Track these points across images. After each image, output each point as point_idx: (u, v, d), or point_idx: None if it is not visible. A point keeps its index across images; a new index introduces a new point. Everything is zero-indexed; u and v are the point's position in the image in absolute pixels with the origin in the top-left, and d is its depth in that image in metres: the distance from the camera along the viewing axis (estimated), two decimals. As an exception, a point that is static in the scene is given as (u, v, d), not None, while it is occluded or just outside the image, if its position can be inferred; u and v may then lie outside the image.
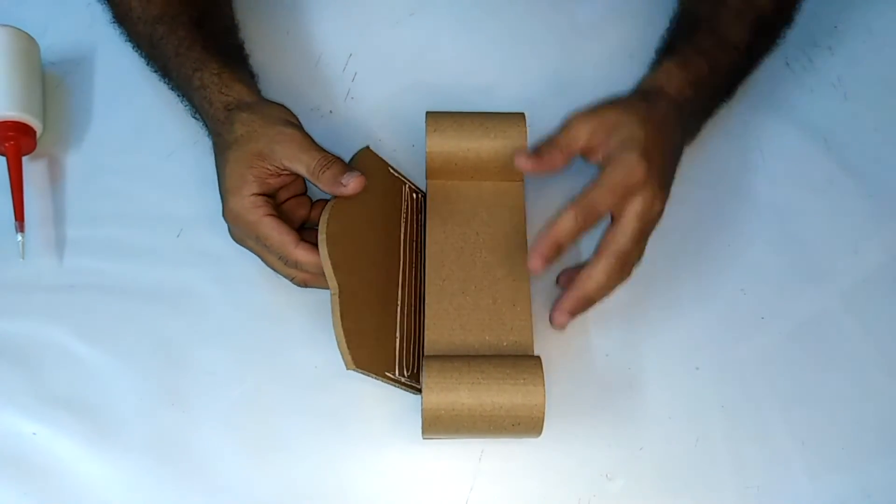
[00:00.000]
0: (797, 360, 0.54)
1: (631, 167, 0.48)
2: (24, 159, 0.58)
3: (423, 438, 0.47)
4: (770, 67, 0.66)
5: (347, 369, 0.45)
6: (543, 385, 0.45)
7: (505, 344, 0.49)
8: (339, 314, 0.45)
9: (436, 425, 0.45)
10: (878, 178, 0.62)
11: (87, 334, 0.54)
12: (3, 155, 0.58)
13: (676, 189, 0.56)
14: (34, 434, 0.50)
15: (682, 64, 0.55)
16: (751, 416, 0.52)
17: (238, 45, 0.60)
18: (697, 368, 0.54)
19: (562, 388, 0.53)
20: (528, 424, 0.45)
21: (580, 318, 0.55)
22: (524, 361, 0.46)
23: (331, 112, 0.63)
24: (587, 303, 0.48)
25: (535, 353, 0.49)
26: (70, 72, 0.64)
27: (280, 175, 0.51)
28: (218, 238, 0.57)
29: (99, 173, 0.60)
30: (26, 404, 0.51)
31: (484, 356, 0.47)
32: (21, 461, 0.49)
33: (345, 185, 0.48)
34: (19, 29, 0.60)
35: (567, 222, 0.47)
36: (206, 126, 0.56)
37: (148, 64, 0.60)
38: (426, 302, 0.50)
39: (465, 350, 0.48)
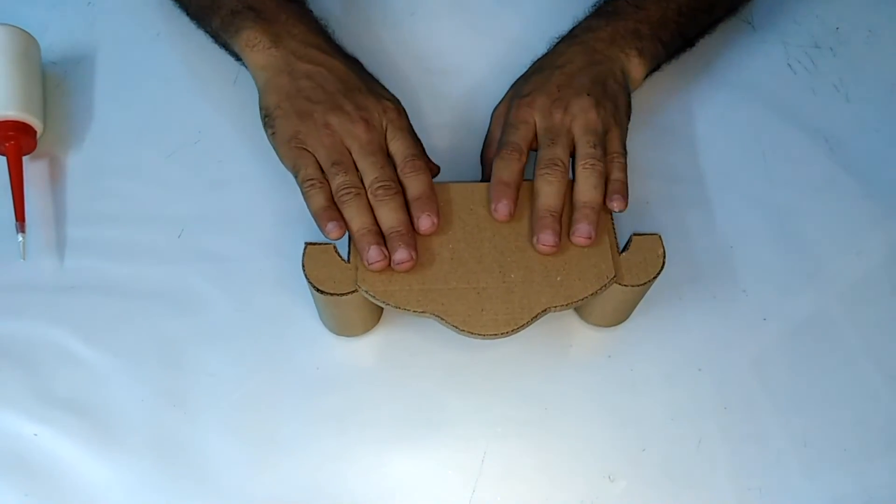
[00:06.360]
0: (798, 360, 0.55)
1: (518, 107, 0.53)
2: (25, 159, 0.58)
3: None
4: (772, 69, 0.66)
5: None
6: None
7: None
8: None
9: None
10: (880, 178, 0.62)
11: (88, 335, 0.53)
12: (3, 155, 0.57)
13: (678, 189, 0.56)
14: (35, 435, 0.50)
15: (596, 13, 0.60)
16: (752, 418, 0.52)
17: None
18: (699, 370, 0.54)
19: (563, 389, 0.53)
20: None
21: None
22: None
23: (332, 112, 0.63)
24: (551, 213, 0.48)
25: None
26: (71, 71, 0.64)
27: None
28: (219, 238, 0.57)
29: (100, 173, 0.60)
30: (27, 405, 0.51)
31: None
32: (22, 462, 0.49)
33: None
34: (20, 28, 0.60)
35: (500, 164, 0.50)
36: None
37: None
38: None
39: None
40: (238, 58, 0.56)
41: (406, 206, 0.49)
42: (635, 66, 0.57)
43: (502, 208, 0.49)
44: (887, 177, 0.62)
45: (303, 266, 0.48)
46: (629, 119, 0.55)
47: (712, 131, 0.62)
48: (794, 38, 0.68)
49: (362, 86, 0.53)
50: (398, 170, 0.50)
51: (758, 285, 0.57)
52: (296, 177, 0.50)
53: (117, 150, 0.61)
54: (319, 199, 0.49)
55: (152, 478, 0.49)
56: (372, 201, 0.49)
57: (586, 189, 0.49)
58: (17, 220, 0.55)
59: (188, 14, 0.60)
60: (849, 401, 0.53)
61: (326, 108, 0.51)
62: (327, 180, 0.50)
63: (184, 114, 0.61)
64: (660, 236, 0.50)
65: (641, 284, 0.48)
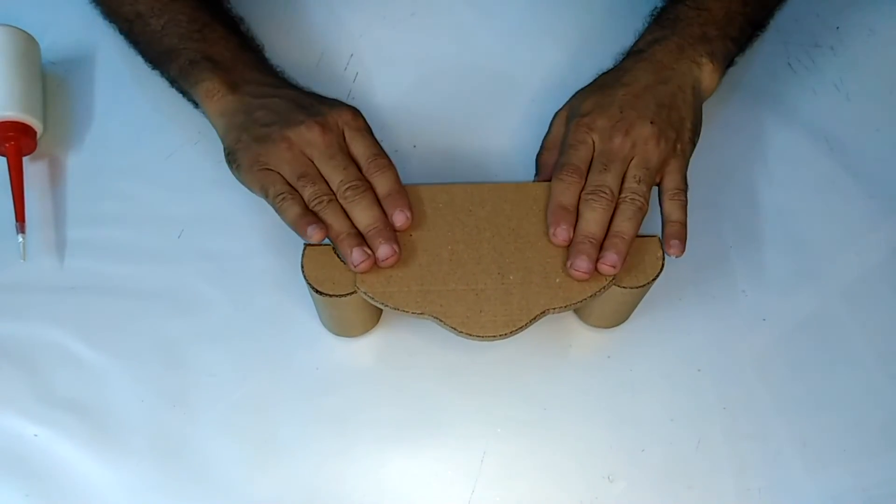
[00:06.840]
0: (798, 361, 0.55)
1: (577, 127, 0.52)
2: (25, 160, 0.58)
3: None
4: (772, 68, 0.66)
5: None
6: None
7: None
8: None
9: None
10: (880, 178, 0.62)
11: (88, 335, 0.53)
12: (3, 155, 0.57)
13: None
14: (35, 436, 0.50)
15: (658, 22, 0.57)
16: (752, 418, 0.52)
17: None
18: (699, 370, 0.54)
19: (563, 389, 0.53)
20: None
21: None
22: None
23: (332, 112, 0.63)
24: (589, 240, 0.48)
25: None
26: (71, 71, 0.64)
27: None
28: (219, 239, 0.57)
29: (100, 174, 0.60)
30: (27, 406, 0.51)
31: None
32: (22, 463, 0.49)
33: None
34: (20, 28, 0.60)
35: (559, 186, 0.50)
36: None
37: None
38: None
39: None
40: (196, 104, 0.56)
41: (378, 202, 0.49)
42: (708, 74, 0.55)
43: (561, 233, 0.48)
44: (887, 177, 0.62)
45: (302, 267, 0.48)
46: (697, 140, 0.54)
47: (712, 131, 0.62)
48: (795, 38, 0.68)
49: (314, 101, 0.53)
50: (363, 170, 0.50)
51: (757, 286, 0.57)
52: (266, 197, 0.50)
53: (117, 150, 0.61)
54: (294, 209, 0.49)
55: (152, 478, 0.49)
56: (343, 204, 0.49)
57: (620, 220, 0.49)
58: (17, 220, 0.56)
59: (145, 58, 0.59)
60: (848, 400, 0.53)
61: (281, 125, 0.50)
62: (298, 193, 0.50)
63: (184, 114, 0.61)
64: (659, 238, 0.50)
65: (640, 286, 0.48)
